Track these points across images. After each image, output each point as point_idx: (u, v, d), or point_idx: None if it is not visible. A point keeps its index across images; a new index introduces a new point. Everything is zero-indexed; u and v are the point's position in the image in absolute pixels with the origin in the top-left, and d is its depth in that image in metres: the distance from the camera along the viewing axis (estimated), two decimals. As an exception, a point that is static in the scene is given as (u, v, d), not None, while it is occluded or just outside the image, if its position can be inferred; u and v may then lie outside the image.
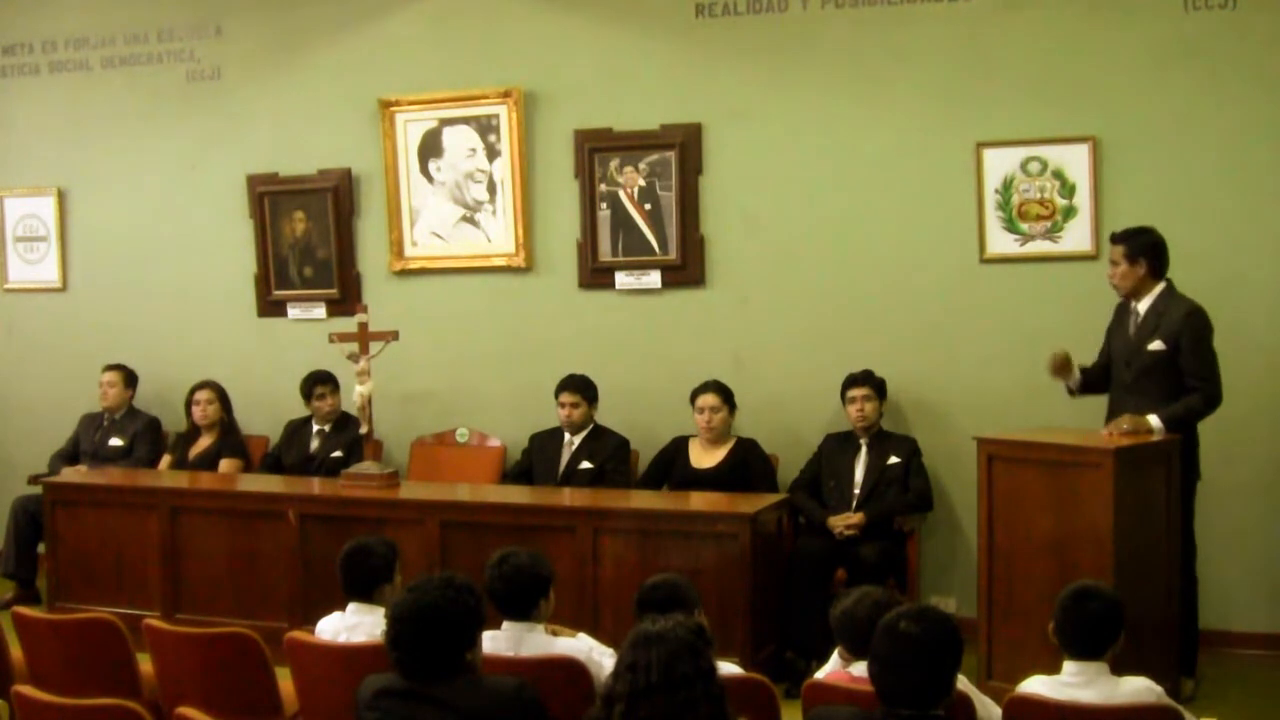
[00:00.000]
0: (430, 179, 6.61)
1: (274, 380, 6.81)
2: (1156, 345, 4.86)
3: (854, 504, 5.54)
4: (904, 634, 2.82)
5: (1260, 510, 5.50)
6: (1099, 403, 5.09)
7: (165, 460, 6.74)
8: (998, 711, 3.28)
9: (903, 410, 5.88)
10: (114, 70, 7.18)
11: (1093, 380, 5.11)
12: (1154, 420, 4.73)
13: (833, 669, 3.49)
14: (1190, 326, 4.83)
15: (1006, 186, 5.72)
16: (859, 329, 5.96)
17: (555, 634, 3.74)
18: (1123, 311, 5.06)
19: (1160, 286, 4.93)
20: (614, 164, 6.28)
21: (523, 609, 3.66)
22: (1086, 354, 5.15)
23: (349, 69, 6.70)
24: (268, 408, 6.79)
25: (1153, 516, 4.55)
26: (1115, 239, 5.01)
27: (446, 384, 6.66)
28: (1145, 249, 4.92)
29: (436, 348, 6.62)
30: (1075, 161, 5.62)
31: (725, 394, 5.81)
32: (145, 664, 4.00)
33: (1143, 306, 4.94)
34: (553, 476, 6.01)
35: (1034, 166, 5.68)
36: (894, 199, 5.91)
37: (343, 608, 3.97)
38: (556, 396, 6.03)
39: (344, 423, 6.47)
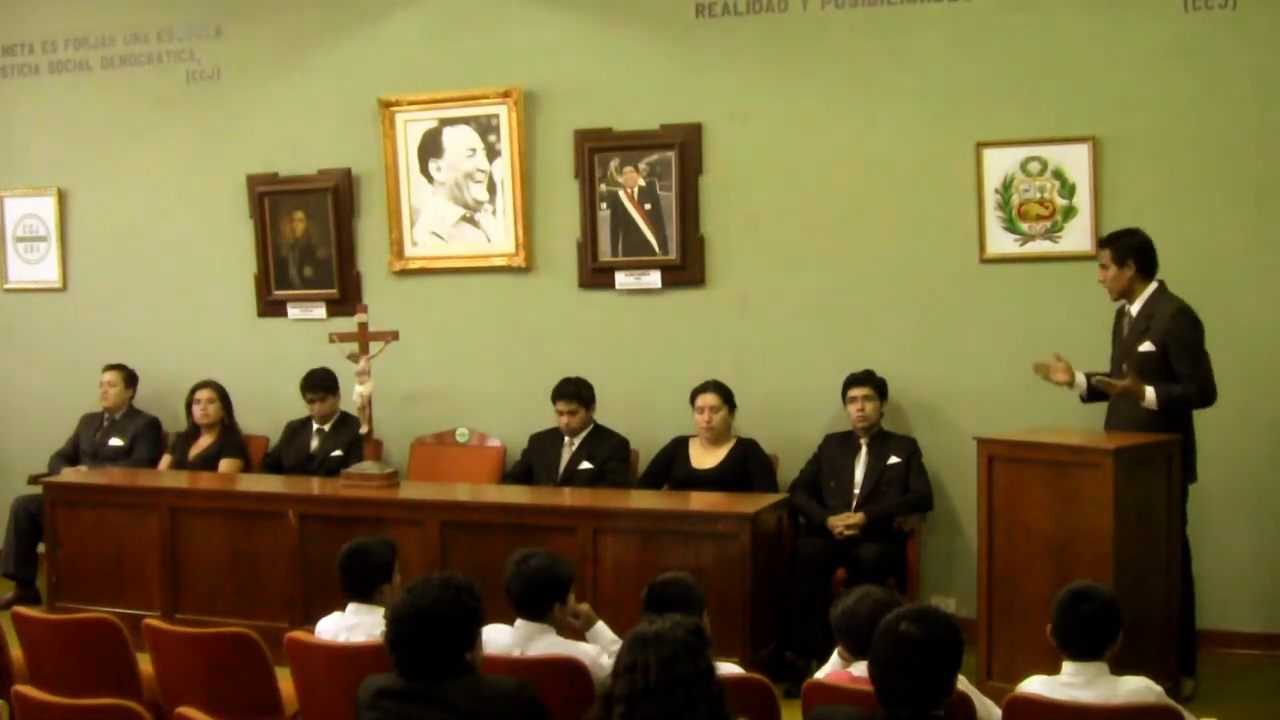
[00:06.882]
0: (430, 179, 6.61)
1: (274, 380, 6.81)
2: (1146, 346, 4.85)
3: (854, 504, 5.54)
4: (904, 635, 2.82)
5: (1257, 511, 5.49)
6: (1100, 404, 5.08)
7: (165, 460, 6.74)
8: (998, 712, 3.28)
9: (903, 410, 5.88)
10: (114, 70, 7.17)
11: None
12: (1150, 391, 4.73)
13: (833, 669, 3.49)
14: (1178, 326, 4.81)
15: (1006, 186, 5.72)
16: (859, 329, 5.96)
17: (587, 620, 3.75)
18: (1120, 314, 5.07)
19: (1152, 288, 4.93)
20: (614, 164, 6.27)
21: (537, 610, 3.68)
22: (1085, 354, 5.14)
23: (349, 69, 6.70)
24: (268, 408, 6.79)
25: (1152, 517, 4.55)
26: (1102, 243, 5.03)
27: (446, 384, 6.66)
28: (1132, 251, 4.91)
29: (436, 348, 6.62)
30: (1075, 161, 5.61)
31: (725, 394, 5.81)
32: (145, 664, 4.00)
33: (1135, 308, 4.94)
34: (553, 477, 6.00)
35: (1034, 166, 5.68)
36: (894, 199, 5.90)
37: (342, 608, 3.97)
38: (554, 403, 6.02)
39: (344, 423, 6.47)
